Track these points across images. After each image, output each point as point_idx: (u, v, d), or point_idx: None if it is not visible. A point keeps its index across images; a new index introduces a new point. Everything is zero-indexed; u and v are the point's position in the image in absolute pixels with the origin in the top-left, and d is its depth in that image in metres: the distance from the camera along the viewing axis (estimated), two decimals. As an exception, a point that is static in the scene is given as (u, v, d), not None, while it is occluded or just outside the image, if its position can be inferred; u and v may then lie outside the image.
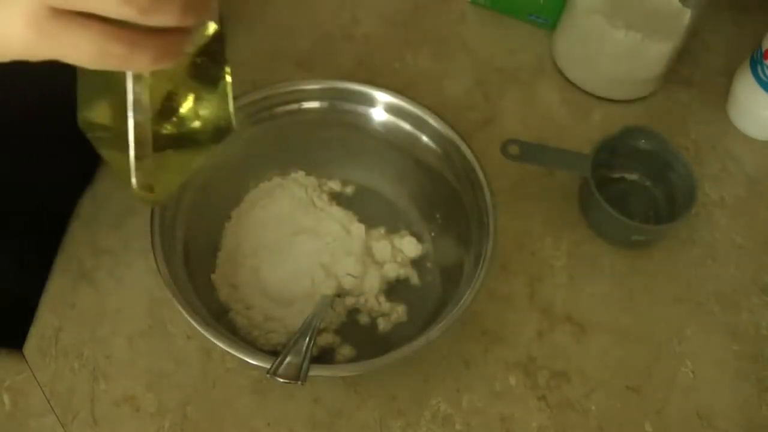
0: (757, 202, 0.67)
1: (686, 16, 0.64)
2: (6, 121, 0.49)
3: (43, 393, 0.52)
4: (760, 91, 0.68)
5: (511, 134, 0.63)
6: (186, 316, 0.47)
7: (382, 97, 0.58)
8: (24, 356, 0.54)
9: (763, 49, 0.67)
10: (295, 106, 0.59)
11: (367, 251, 0.58)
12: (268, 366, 0.45)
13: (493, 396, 0.55)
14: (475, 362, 0.56)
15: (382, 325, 0.56)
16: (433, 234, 0.60)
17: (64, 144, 0.57)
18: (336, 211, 0.60)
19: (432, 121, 0.58)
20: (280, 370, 0.44)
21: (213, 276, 0.56)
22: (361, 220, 0.59)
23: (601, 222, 0.62)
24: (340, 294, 0.56)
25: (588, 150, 0.62)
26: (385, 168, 0.62)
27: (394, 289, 0.58)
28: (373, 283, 0.57)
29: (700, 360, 0.58)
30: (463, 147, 0.56)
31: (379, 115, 0.59)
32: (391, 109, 0.59)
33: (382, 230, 0.60)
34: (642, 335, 0.59)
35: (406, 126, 0.59)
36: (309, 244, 0.57)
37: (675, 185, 0.63)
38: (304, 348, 0.46)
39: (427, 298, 0.57)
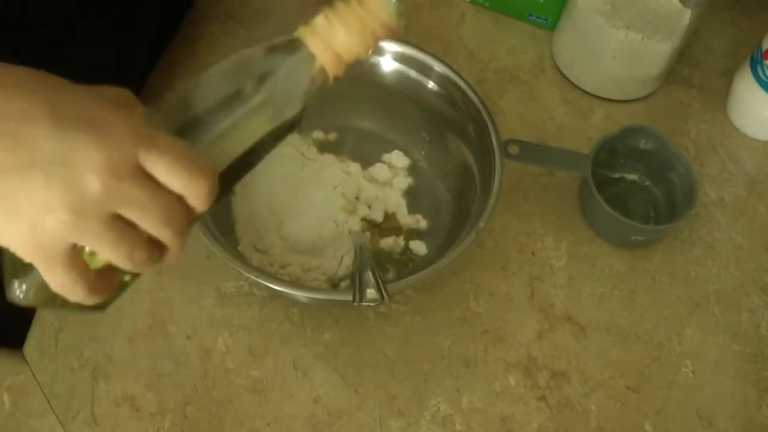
0: (757, 202, 0.67)
1: (686, 16, 0.64)
2: None
3: (43, 393, 0.52)
4: (760, 91, 0.68)
5: (511, 134, 0.62)
6: (263, 281, 0.50)
7: None
8: (24, 356, 0.54)
9: (763, 49, 0.67)
10: None
11: (371, 181, 0.63)
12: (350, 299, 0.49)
13: (493, 396, 0.55)
14: (475, 362, 0.56)
15: (410, 243, 0.61)
16: (423, 152, 0.65)
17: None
18: (328, 158, 0.63)
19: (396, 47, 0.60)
20: (364, 298, 0.48)
21: (240, 248, 0.58)
22: (353, 160, 0.64)
23: (601, 222, 0.62)
24: (363, 229, 0.61)
25: (588, 150, 0.62)
26: (362, 107, 0.65)
27: (409, 207, 0.63)
28: (387, 205, 0.62)
29: (700, 360, 0.58)
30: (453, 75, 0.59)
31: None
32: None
33: (374, 160, 0.64)
34: (642, 335, 0.59)
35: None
36: (318, 193, 0.61)
37: (675, 185, 0.63)
38: (371, 275, 0.50)
39: (442, 208, 0.62)
